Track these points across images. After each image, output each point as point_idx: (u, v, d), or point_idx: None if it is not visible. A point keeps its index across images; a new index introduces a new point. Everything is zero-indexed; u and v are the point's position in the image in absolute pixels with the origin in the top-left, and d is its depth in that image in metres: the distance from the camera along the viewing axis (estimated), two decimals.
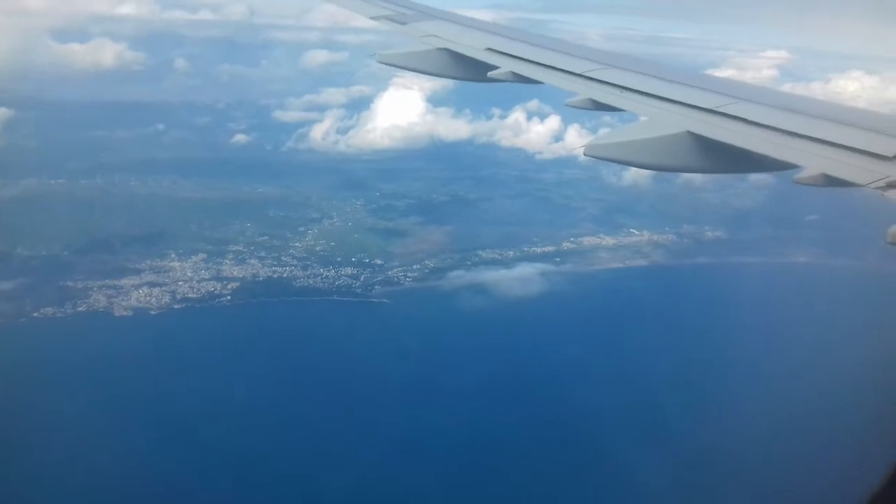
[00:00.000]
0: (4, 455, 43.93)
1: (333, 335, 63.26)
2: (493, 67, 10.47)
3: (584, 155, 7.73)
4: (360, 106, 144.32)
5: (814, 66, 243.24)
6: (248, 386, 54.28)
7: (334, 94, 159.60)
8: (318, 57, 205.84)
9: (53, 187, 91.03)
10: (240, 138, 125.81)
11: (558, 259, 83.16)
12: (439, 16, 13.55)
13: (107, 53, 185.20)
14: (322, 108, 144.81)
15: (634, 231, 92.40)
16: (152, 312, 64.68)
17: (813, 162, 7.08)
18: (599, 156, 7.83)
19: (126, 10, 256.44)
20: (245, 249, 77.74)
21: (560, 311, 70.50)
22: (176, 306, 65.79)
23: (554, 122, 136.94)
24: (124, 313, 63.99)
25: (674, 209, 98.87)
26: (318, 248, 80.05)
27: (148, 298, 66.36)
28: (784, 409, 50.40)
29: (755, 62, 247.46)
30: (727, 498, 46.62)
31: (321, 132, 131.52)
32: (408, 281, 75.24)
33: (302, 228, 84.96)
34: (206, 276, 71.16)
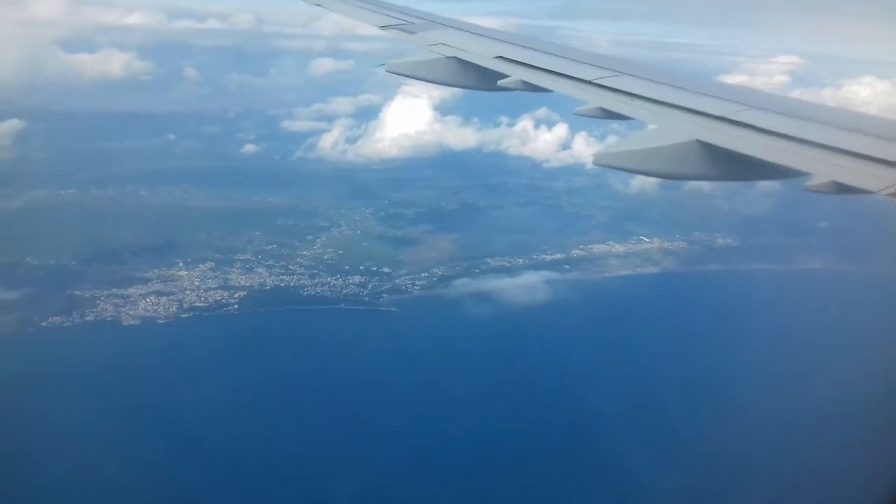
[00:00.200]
0: (13, 463, 44.03)
1: (341, 344, 63.19)
2: (503, 75, 10.45)
3: (594, 164, 7.74)
4: (368, 115, 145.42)
5: (825, 72, 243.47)
6: (256, 395, 54.43)
7: (342, 104, 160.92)
8: (326, 65, 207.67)
9: (63, 197, 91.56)
10: (249, 148, 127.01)
11: (568, 267, 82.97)
12: (447, 24, 13.55)
13: (115, 64, 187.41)
14: (330, 118, 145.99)
15: (644, 238, 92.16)
16: (160, 321, 64.87)
17: (823, 169, 7.04)
18: (609, 164, 7.81)
19: (134, 20, 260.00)
20: (253, 258, 77.88)
21: (570, 318, 70.11)
22: (183, 315, 65.96)
23: (561, 130, 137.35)
24: (132, 322, 64.21)
25: (683, 216, 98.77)
26: (326, 257, 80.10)
27: (155, 307, 66.60)
28: (797, 417, 50.05)
29: (766, 67, 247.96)
30: None
31: (330, 141, 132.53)
32: (416, 289, 75.16)
33: (310, 237, 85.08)
34: (214, 285, 71.37)
